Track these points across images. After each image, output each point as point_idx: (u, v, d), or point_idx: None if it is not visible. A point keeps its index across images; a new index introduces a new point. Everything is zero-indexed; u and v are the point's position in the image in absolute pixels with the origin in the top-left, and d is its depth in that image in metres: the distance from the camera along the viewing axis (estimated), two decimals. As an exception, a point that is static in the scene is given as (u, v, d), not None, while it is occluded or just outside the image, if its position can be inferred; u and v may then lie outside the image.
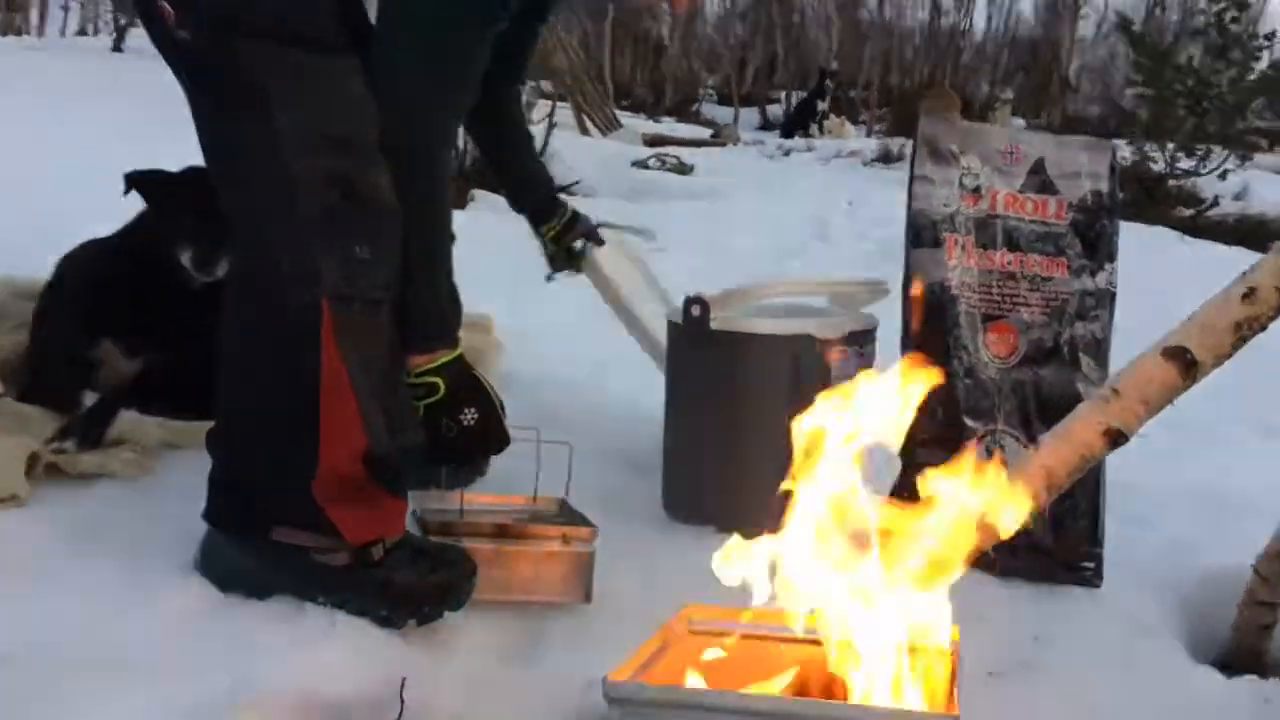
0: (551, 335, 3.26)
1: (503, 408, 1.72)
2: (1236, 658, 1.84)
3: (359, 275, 1.49)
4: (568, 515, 1.79)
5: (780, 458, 2.06)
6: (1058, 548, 2.02)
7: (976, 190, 2.11)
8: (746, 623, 1.28)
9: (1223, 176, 8.39)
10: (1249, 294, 1.32)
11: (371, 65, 1.59)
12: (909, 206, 2.10)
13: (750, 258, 4.95)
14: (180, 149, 1.92)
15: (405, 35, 1.65)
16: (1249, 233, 7.09)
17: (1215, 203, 7.81)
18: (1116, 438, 1.28)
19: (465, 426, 1.68)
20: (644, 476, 2.34)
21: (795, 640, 1.23)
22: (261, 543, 1.52)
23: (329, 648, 1.42)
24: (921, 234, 2.08)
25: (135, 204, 2.27)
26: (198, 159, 1.60)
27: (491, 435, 1.70)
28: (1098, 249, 2.14)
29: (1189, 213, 7.88)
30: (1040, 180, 2.12)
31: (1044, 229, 2.12)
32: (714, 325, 2.01)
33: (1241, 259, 6.05)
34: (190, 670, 1.34)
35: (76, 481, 1.79)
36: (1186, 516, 2.33)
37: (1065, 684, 1.66)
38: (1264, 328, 1.34)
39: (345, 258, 1.48)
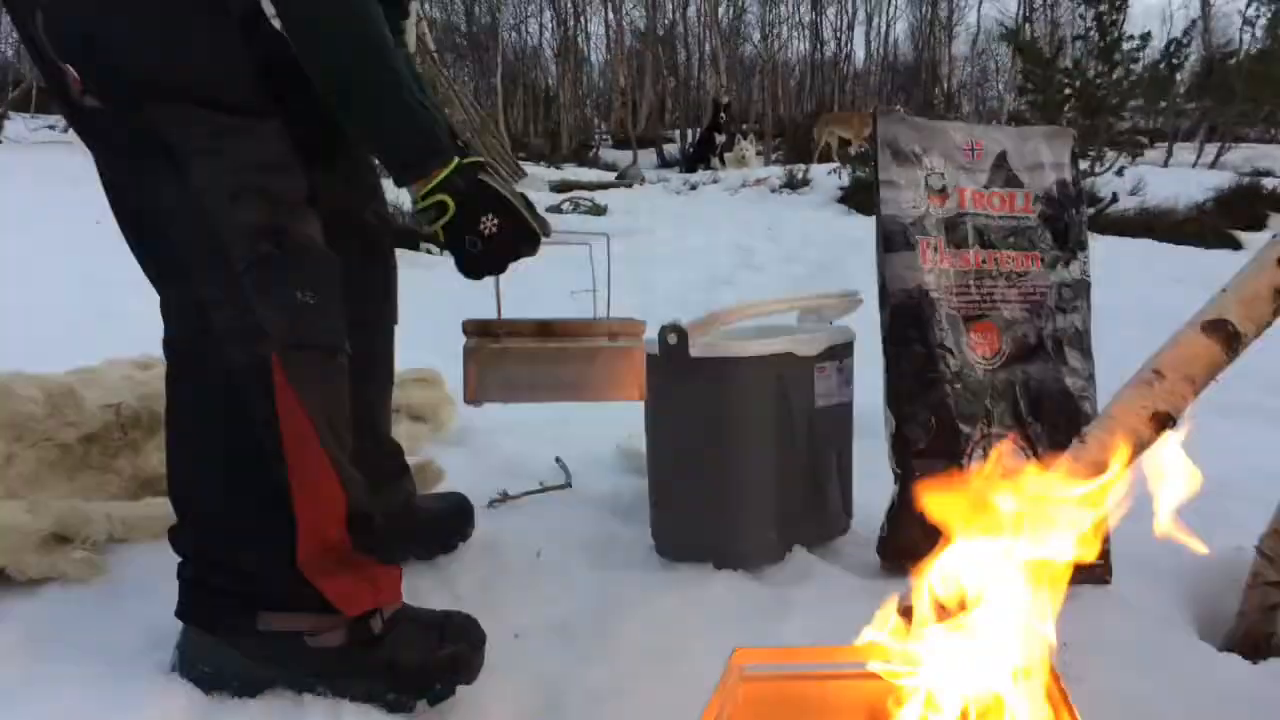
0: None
1: (529, 205, 1.53)
2: (1245, 641, 1.80)
3: (307, 321, 1.36)
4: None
5: (771, 483, 2.02)
6: (1066, 547, 1.96)
7: (943, 190, 2.06)
8: (799, 663, 1.18)
9: (1120, 173, 8.61)
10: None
11: None
12: (877, 213, 2.04)
13: (682, 290, 4.89)
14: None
15: None
16: (1153, 223, 7.27)
17: (1115, 199, 8.00)
18: (1165, 421, 1.22)
19: (488, 236, 1.46)
20: (626, 519, 2.24)
21: (857, 676, 1.13)
22: (247, 635, 1.37)
23: (338, 742, 1.28)
24: (893, 239, 2.01)
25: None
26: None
27: (522, 237, 1.49)
28: (1068, 239, 2.11)
29: (1091, 211, 8.07)
30: (1005, 174, 2.09)
31: (1013, 223, 2.08)
32: (694, 352, 1.92)
33: (1155, 249, 6.22)
34: (189, 786, 1.19)
35: (23, 588, 1.61)
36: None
37: (1105, 687, 1.60)
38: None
39: (288, 305, 1.36)
